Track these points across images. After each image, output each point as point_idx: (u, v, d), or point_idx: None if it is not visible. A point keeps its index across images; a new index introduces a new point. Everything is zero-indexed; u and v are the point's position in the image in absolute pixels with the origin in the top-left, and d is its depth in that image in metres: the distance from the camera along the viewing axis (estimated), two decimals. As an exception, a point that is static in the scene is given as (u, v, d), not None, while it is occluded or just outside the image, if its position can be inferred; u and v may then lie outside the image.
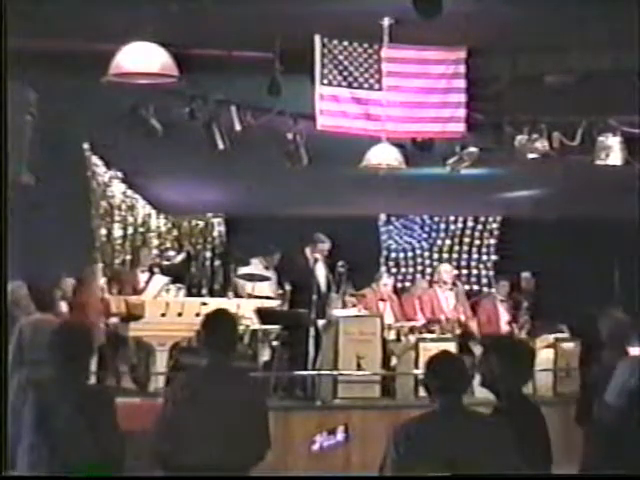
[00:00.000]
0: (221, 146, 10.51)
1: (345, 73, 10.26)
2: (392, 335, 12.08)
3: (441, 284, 13.15)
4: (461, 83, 10.54)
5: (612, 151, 10.72)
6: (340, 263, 11.50)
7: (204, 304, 11.04)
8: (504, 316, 13.04)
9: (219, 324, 5.30)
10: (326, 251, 11.54)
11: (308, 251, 11.41)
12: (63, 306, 11.03)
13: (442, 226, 16.40)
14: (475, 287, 15.78)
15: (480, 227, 16.35)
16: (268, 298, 12.14)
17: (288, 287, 11.89)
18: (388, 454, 4.37)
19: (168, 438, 5.04)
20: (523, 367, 4.89)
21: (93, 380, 9.64)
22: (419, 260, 16.37)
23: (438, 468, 4.22)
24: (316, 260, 11.29)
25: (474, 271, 16.13)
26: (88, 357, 5.58)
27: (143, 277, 12.42)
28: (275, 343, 11.34)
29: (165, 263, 13.75)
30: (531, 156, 10.83)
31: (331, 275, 11.58)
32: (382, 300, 12.81)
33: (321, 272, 11.28)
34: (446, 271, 13.39)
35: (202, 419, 5.05)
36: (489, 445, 4.32)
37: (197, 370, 5.49)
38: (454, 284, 13.34)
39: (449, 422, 4.37)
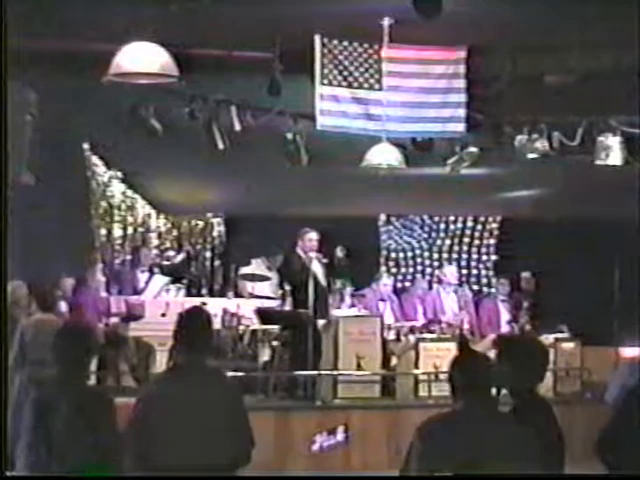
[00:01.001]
0: (221, 146, 10.52)
1: (345, 73, 10.27)
2: (392, 335, 12.08)
3: (445, 285, 13.09)
4: (461, 83, 10.54)
5: (612, 151, 10.72)
6: (339, 247, 11.32)
7: (204, 304, 11.02)
8: (505, 316, 13.04)
9: (193, 323, 5.24)
10: (315, 241, 11.34)
11: (299, 249, 11.34)
12: (63, 306, 11.02)
13: (442, 226, 16.37)
14: (475, 287, 15.76)
15: (480, 227, 16.32)
16: (268, 298, 12.14)
17: (288, 287, 11.86)
18: (414, 450, 4.36)
19: (142, 440, 4.95)
20: (537, 366, 4.89)
21: (93, 380, 9.67)
22: (419, 260, 16.34)
23: (463, 466, 4.24)
24: (311, 259, 11.23)
25: (474, 271, 16.10)
26: (88, 358, 5.57)
27: (143, 277, 12.42)
28: (275, 343, 11.33)
29: (165, 263, 13.74)
30: (531, 156, 10.83)
31: (328, 271, 11.46)
32: (382, 300, 12.80)
33: (318, 270, 11.24)
34: (452, 273, 13.33)
35: (176, 418, 4.95)
36: (514, 445, 4.33)
37: (172, 369, 5.42)
38: (459, 285, 13.30)
39: (475, 420, 4.38)
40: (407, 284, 15.61)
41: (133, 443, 4.96)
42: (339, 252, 11.35)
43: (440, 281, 13.47)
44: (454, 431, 4.36)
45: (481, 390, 4.44)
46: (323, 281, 11.16)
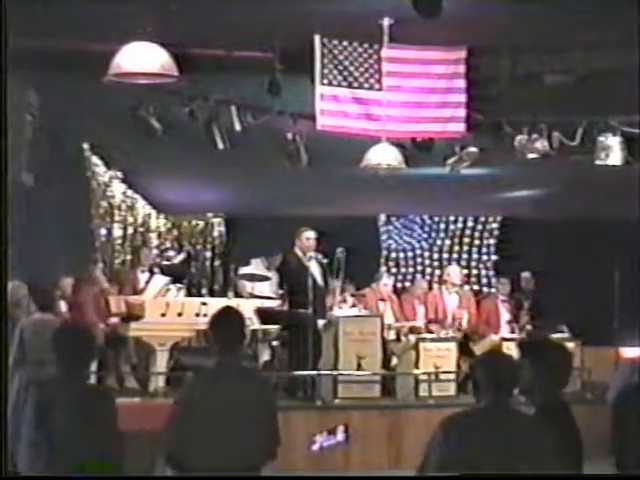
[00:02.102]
0: (221, 146, 10.51)
1: (345, 73, 10.26)
2: (392, 335, 12.08)
3: (448, 286, 13.05)
4: (461, 83, 10.54)
5: (612, 151, 10.71)
6: (339, 249, 11.27)
7: (204, 304, 11.03)
8: (505, 316, 13.03)
9: (227, 322, 5.27)
10: (313, 240, 11.29)
11: (297, 248, 11.33)
12: (63, 306, 11.02)
13: (442, 226, 16.38)
14: (475, 287, 15.76)
15: (480, 227, 16.33)
16: (268, 298, 12.14)
17: (287, 287, 11.85)
18: (435, 442, 4.39)
19: (181, 439, 5.03)
20: (562, 371, 4.90)
21: (94, 380, 9.67)
22: (419, 260, 16.35)
23: (482, 463, 4.28)
24: (309, 258, 11.22)
25: (474, 271, 16.11)
26: (88, 358, 5.57)
27: (143, 277, 12.40)
28: (275, 343, 11.33)
29: (165, 263, 13.73)
30: (531, 156, 10.82)
31: (327, 270, 11.43)
32: (382, 300, 12.80)
33: (316, 270, 11.24)
34: (455, 273, 13.29)
35: (215, 419, 5.04)
36: (533, 446, 4.36)
37: (207, 370, 5.46)
38: (461, 285, 13.26)
39: (496, 420, 4.42)
40: (407, 284, 15.61)
41: (173, 443, 5.02)
42: (339, 254, 11.26)
43: (443, 281, 13.44)
44: (475, 427, 4.40)
45: (503, 391, 4.48)
46: (321, 281, 11.15)
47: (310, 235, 11.14)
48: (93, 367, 9.50)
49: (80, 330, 5.71)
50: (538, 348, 5.06)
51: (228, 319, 5.31)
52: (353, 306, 12.33)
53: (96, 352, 5.73)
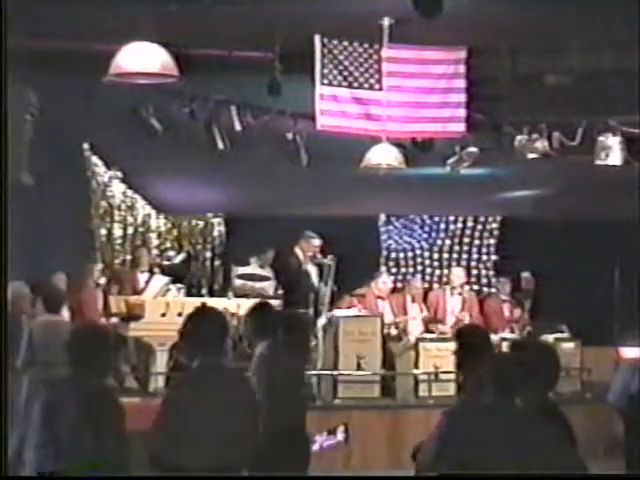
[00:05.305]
0: (221, 146, 10.51)
1: (345, 73, 10.26)
2: (393, 331, 12.07)
3: (452, 287, 13.05)
4: (461, 83, 10.54)
5: (612, 151, 10.71)
6: (330, 257, 11.30)
7: (204, 304, 11.02)
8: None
9: (204, 322, 5.20)
10: (317, 247, 11.39)
11: (299, 250, 11.35)
12: (65, 307, 11.01)
13: (442, 226, 16.38)
14: (475, 287, 15.76)
15: (480, 227, 16.33)
16: (268, 298, 12.13)
17: (287, 287, 11.86)
18: (437, 430, 4.45)
19: (164, 439, 5.01)
20: (548, 372, 4.92)
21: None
22: (419, 260, 16.35)
23: (479, 457, 4.34)
24: (308, 259, 11.24)
25: (474, 271, 16.11)
26: (105, 359, 5.46)
27: (143, 277, 12.41)
28: (275, 343, 11.31)
29: (165, 263, 13.73)
30: (531, 156, 10.82)
31: (324, 271, 11.47)
32: (381, 298, 12.80)
33: (313, 271, 11.26)
34: (458, 275, 13.31)
35: (197, 419, 5.01)
36: (532, 443, 4.40)
37: (190, 370, 5.44)
38: (462, 286, 13.26)
39: (501, 416, 4.48)
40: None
41: (157, 444, 5.00)
42: (329, 261, 11.27)
43: (446, 283, 13.46)
44: (478, 422, 4.46)
45: (512, 391, 4.54)
46: (316, 282, 11.18)
47: (316, 242, 11.38)
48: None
49: (97, 331, 5.64)
50: (525, 349, 5.09)
51: (206, 318, 5.23)
52: (352, 306, 12.34)
53: (111, 355, 5.63)
